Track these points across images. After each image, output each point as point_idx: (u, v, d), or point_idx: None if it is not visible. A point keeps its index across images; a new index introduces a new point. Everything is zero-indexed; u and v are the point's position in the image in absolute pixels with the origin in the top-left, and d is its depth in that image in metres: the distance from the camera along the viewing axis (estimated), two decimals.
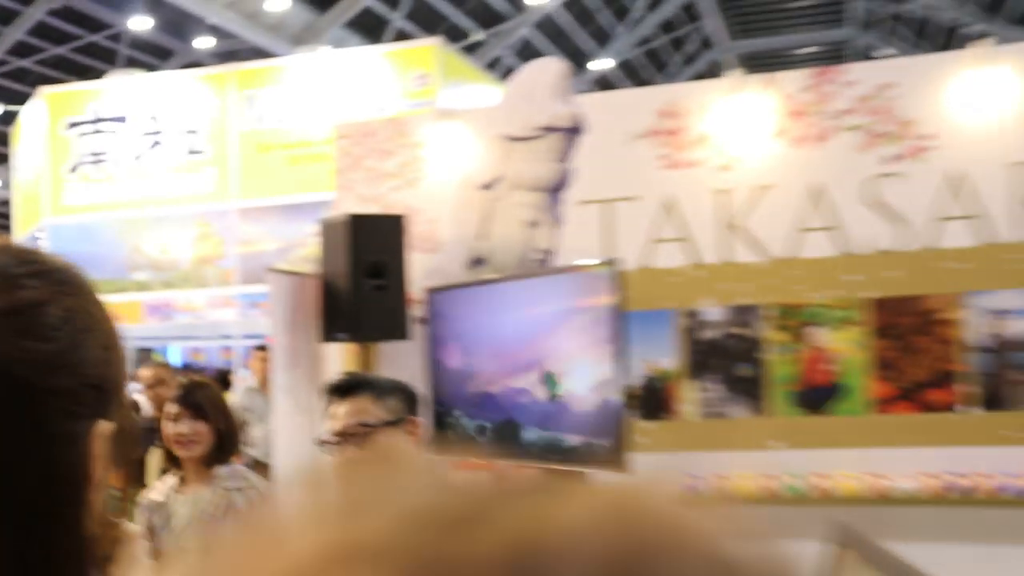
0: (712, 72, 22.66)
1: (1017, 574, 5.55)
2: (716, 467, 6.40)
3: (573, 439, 4.05)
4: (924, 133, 6.38)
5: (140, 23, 17.85)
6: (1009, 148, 6.28)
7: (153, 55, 19.63)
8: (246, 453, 8.64)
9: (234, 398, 8.80)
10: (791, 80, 6.63)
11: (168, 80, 14.29)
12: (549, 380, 4.19)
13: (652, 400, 6.61)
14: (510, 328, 4.36)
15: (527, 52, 18.28)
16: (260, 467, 7.85)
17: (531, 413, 4.26)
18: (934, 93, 6.42)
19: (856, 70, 6.60)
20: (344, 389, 3.24)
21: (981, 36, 6.79)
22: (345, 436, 3.16)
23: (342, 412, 3.19)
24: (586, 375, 3.96)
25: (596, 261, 3.96)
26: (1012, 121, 6.30)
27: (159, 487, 4.32)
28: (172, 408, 4.23)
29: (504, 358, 4.40)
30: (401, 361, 6.63)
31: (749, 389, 6.51)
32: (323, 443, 3.23)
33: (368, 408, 3.18)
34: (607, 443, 3.86)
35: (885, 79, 6.51)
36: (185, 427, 4.15)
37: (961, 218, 6.30)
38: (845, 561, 1.89)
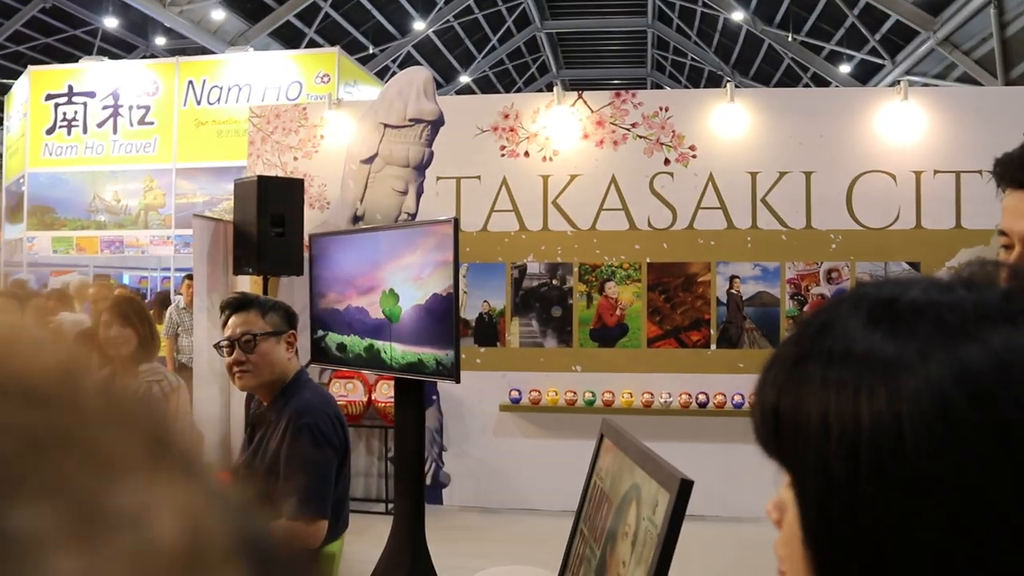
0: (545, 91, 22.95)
1: (737, 463, 5.67)
2: (533, 384, 6.42)
3: (421, 355, 3.93)
4: (689, 145, 6.45)
5: (110, 22, 17.22)
6: (746, 160, 6.41)
7: (120, 48, 18.85)
8: (176, 357, 8.38)
9: (170, 315, 8.54)
10: (596, 99, 6.62)
11: (128, 66, 13.71)
12: (391, 307, 4.08)
13: (487, 331, 6.58)
14: (372, 266, 4.23)
15: (408, 65, 18.07)
16: (186, 369, 7.62)
17: (384, 331, 4.13)
18: (697, 117, 6.49)
19: (643, 95, 6.61)
20: (236, 305, 3.08)
21: (727, 82, 6.87)
22: (234, 342, 3.01)
23: (233, 323, 3.03)
24: (431, 304, 3.86)
25: (443, 219, 3.85)
26: (747, 141, 6.43)
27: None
28: (105, 316, 3.98)
29: (366, 288, 4.27)
30: (296, 291, 6.46)
31: (559, 326, 6.52)
32: (218, 347, 3.08)
33: (254, 321, 3.02)
34: (446, 359, 3.76)
35: (664, 103, 6.56)
36: (114, 331, 3.91)
37: (712, 208, 6.41)
38: (604, 446, 1.86)
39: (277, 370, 3.03)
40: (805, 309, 6.30)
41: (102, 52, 17.66)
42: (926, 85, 13.72)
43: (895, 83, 8.15)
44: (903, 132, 6.32)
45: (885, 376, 0.54)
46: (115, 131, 12.60)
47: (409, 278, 3.96)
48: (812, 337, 0.60)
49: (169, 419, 0.31)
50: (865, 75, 16.83)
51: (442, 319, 3.78)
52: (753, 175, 6.39)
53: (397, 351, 4.08)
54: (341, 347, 4.44)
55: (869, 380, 0.55)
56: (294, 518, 2.85)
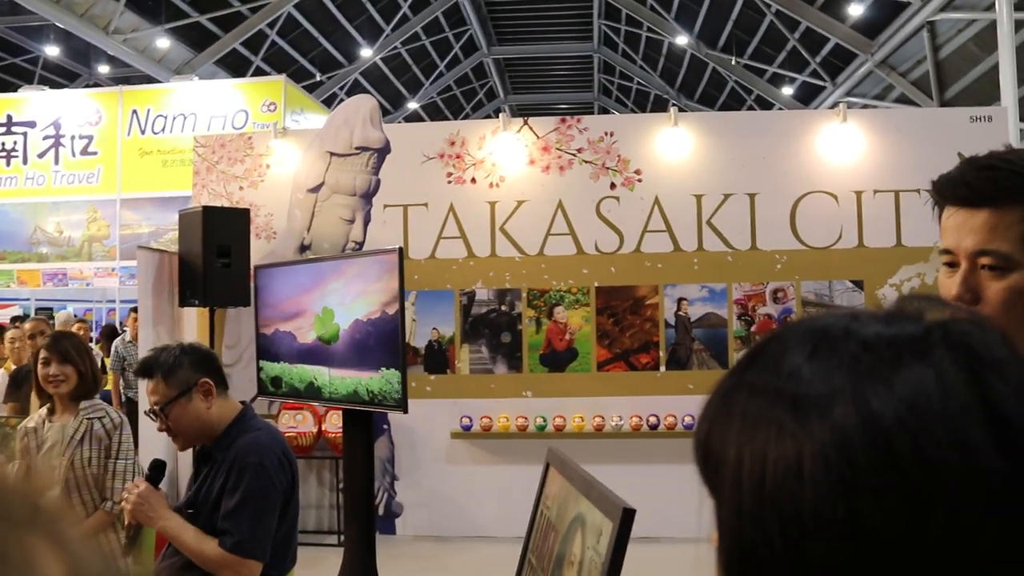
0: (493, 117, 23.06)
1: (691, 484, 5.70)
2: (484, 411, 6.40)
3: (357, 382, 3.88)
4: (635, 169, 6.51)
5: (52, 50, 16.94)
6: (691, 183, 6.48)
7: (62, 76, 18.55)
8: (123, 391, 8.24)
9: (115, 348, 8.42)
10: (542, 124, 6.66)
11: (69, 96, 13.51)
12: (327, 325, 4.03)
13: (436, 358, 6.55)
14: (315, 295, 4.18)
15: (356, 92, 18.04)
16: (133, 403, 7.50)
17: (319, 355, 4.08)
18: (642, 141, 6.55)
19: (588, 120, 6.67)
20: (142, 372, 2.97)
21: (672, 105, 6.95)
22: (152, 412, 2.93)
23: (147, 391, 2.95)
24: (369, 324, 3.82)
25: (389, 248, 3.82)
26: (692, 164, 6.51)
27: (35, 417, 3.95)
28: (43, 353, 3.87)
29: (308, 317, 4.22)
30: (243, 322, 6.37)
31: (509, 352, 6.51)
32: (148, 414, 2.98)
33: (159, 389, 2.88)
34: (386, 385, 3.71)
35: (608, 128, 6.62)
36: (53, 368, 3.80)
37: (658, 231, 6.47)
38: (550, 475, 1.86)
39: (198, 425, 2.91)
40: (752, 329, 6.36)
41: (43, 81, 17.38)
42: (866, 106, 14.02)
43: (835, 104, 8.32)
44: (843, 153, 6.44)
45: (796, 415, 0.55)
46: (56, 161, 12.38)
47: (347, 301, 3.93)
48: (743, 369, 0.61)
49: (41, 491, 0.37)
50: (807, 96, 17.16)
51: (382, 340, 3.74)
52: (698, 197, 6.46)
53: (327, 377, 4.03)
54: (276, 381, 4.38)
55: (780, 418, 0.56)
56: (231, 553, 2.78)
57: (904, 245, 6.33)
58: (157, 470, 2.98)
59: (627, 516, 1.40)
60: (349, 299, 3.88)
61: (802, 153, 6.46)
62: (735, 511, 0.58)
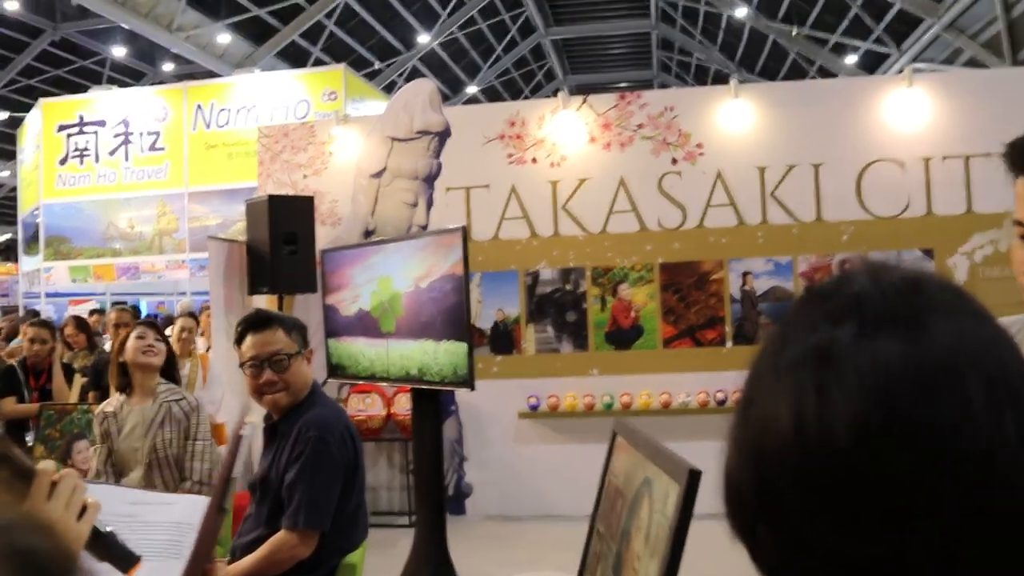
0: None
1: None
2: (551, 390, 6.43)
3: (424, 354, 3.91)
4: (696, 143, 6.45)
5: (118, 51, 17.40)
6: (754, 155, 6.40)
7: (129, 76, 19.03)
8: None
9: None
10: (602, 101, 6.63)
11: (137, 94, 13.85)
12: (389, 294, 4.08)
13: (502, 339, 6.59)
14: (380, 272, 4.24)
15: (415, 78, 18.15)
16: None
17: (392, 329, 4.13)
18: (703, 114, 6.49)
19: (648, 96, 6.63)
20: (256, 323, 3.08)
21: (732, 78, 6.87)
22: (262, 361, 2.99)
23: (255, 342, 3.02)
24: (440, 302, 3.85)
25: (452, 227, 3.85)
26: (755, 136, 6.42)
27: (112, 401, 4.09)
28: (138, 330, 4.03)
29: (370, 286, 4.28)
30: (310, 308, 6.49)
31: (574, 331, 6.53)
32: (243, 365, 3.05)
33: (281, 339, 3.01)
34: (462, 367, 3.74)
35: (669, 103, 6.56)
36: (151, 339, 3.96)
37: (722, 205, 6.41)
38: (618, 444, 1.88)
39: (302, 384, 3.04)
40: None
41: (111, 81, 17.84)
42: (934, 72, 13.66)
43: (902, 71, 8.13)
44: (910, 119, 6.30)
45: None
46: (127, 158, 12.72)
47: (409, 273, 3.97)
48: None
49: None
50: (872, 65, 16.78)
51: (447, 312, 3.75)
52: (761, 170, 6.38)
53: (386, 351, 4.06)
54: (347, 359, 4.45)
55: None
56: (288, 529, 2.87)
57: (975, 212, 6.18)
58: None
59: (693, 477, 1.40)
60: (412, 271, 3.93)
61: (867, 120, 6.34)
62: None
